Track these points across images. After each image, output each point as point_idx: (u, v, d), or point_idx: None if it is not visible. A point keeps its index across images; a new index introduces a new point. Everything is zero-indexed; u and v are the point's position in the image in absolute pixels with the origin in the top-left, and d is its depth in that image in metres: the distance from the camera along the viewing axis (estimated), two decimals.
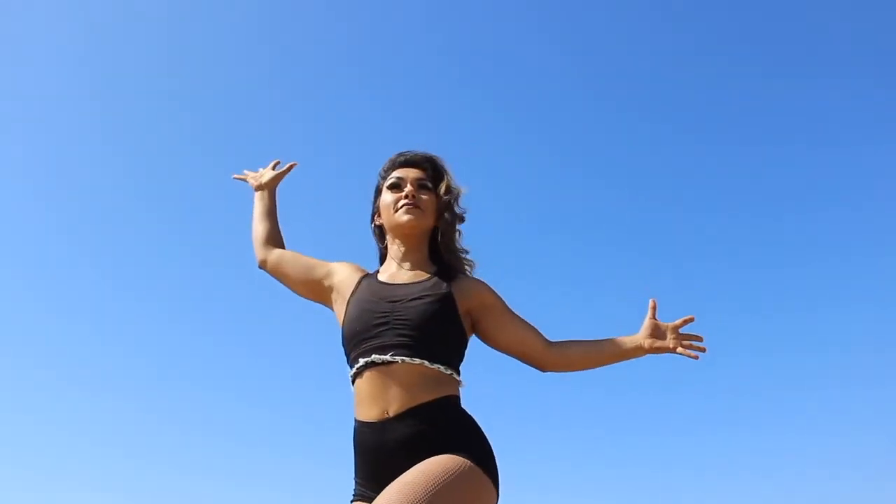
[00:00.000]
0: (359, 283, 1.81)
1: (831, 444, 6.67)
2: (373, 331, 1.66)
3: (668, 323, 1.80)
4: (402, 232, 1.82)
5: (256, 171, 2.21)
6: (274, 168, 2.16)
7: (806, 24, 8.02)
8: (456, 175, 1.91)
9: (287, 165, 2.15)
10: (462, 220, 1.88)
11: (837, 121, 7.97)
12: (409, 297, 1.70)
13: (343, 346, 1.75)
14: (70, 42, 8.01)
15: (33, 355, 7.70)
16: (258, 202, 2.10)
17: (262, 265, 1.99)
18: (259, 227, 2.04)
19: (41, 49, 7.83)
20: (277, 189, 2.14)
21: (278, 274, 1.96)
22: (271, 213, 2.07)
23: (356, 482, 1.67)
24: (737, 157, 8.33)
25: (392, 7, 8.26)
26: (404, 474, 1.45)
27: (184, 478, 6.84)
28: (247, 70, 8.42)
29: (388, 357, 1.62)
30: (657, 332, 1.78)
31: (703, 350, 1.78)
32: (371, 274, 1.86)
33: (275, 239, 2.01)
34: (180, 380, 7.79)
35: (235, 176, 2.24)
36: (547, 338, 1.81)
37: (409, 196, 1.81)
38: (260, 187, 2.12)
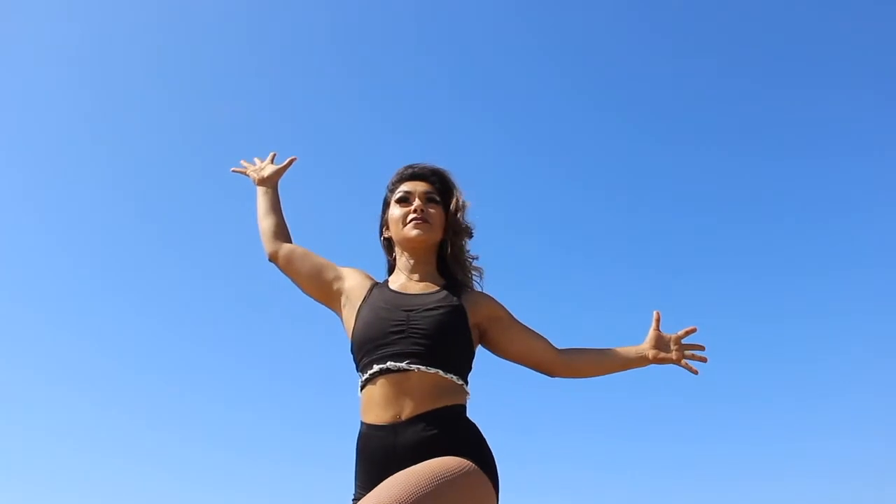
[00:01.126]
0: (370, 290, 1.84)
1: (833, 449, 6.71)
2: (388, 338, 1.69)
3: (671, 334, 1.88)
4: (411, 246, 1.86)
5: (253, 162, 2.21)
6: (273, 161, 2.17)
7: (816, 34, 8.10)
8: (461, 186, 1.93)
9: (287, 160, 2.15)
10: (470, 234, 1.92)
11: (842, 130, 8.05)
12: (424, 307, 1.73)
13: (353, 351, 1.77)
14: (59, 41, 8.03)
15: (26, 358, 7.71)
16: (262, 197, 2.09)
17: (273, 258, 1.98)
18: (266, 222, 2.03)
19: (29, 48, 7.86)
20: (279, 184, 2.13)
21: (288, 269, 1.95)
22: (276, 208, 2.07)
23: (357, 487, 1.69)
24: (742, 167, 8.41)
25: (386, 19, 8.33)
26: (410, 468, 1.49)
27: (176, 483, 6.85)
28: (238, 71, 8.47)
29: (403, 365, 1.65)
30: (661, 342, 1.87)
31: (704, 360, 1.87)
32: (381, 283, 1.88)
33: (283, 233, 2.02)
34: (173, 384, 7.81)
35: (234, 169, 2.23)
36: (555, 346, 1.87)
37: (418, 210, 1.84)
38: (262, 182, 2.12)
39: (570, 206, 8.57)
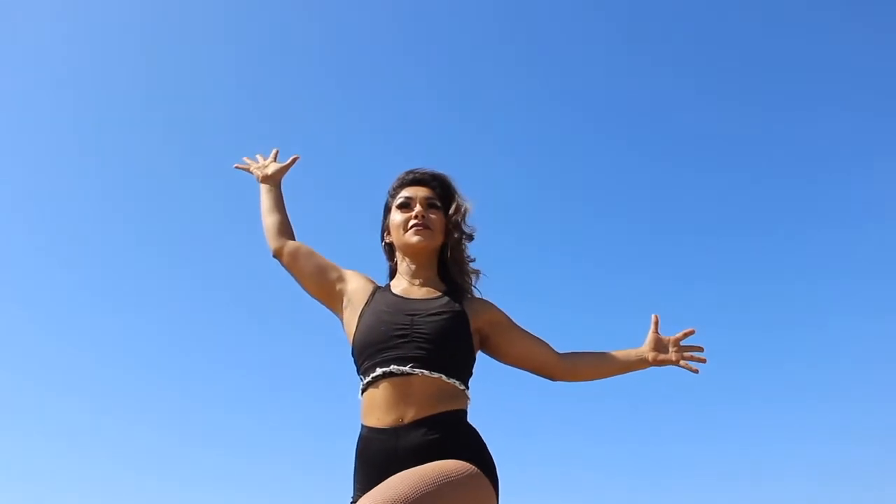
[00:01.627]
0: (372, 294, 1.85)
1: (832, 452, 6.73)
2: (391, 342, 1.70)
3: (669, 336, 1.91)
4: (412, 251, 1.87)
5: (255, 158, 2.20)
6: (275, 158, 2.17)
7: (805, 48, 8.18)
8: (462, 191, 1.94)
9: (290, 159, 2.15)
10: (471, 237, 1.92)
11: (837, 143, 8.13)
12: (428, 312, 1.74)
13: (354, 354, 1.78)
14: (48, 43, 8.02)
15: (22, 364, 7.73)
16: (265, 195, 2.09)
17: (277, 254, 1.97)
18: (270, 219, 2.03)
19: (17, 50, 7.87)
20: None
21: (292, 266, 1.95)
22: (280, 205, 2.06)
23: (356, 490, 1.69)
24: (739, 176, 8.49)
25: (387, 23, 8.37)
26: (413, 468, 1.50)
27: (176, 485, 6.86)
28: (234, 73, 8.51)
29: (407, 369, 1.66)
30: (659, 345, 1.91)
31: (703, 361, 1.90)
32: (383, 287, 1.89)
33: (287, 230, 2.01)
34: (172, 387, 7.83)
35: (237, 165, 2.22)
36: (556, 350, 1.89)
37: (419, 216, 1.84)
38: (265, 180, 2.11)
39: (569, 213, 8.62)
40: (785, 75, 8.29)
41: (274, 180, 2.11)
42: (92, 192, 8.51)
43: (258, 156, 2.21)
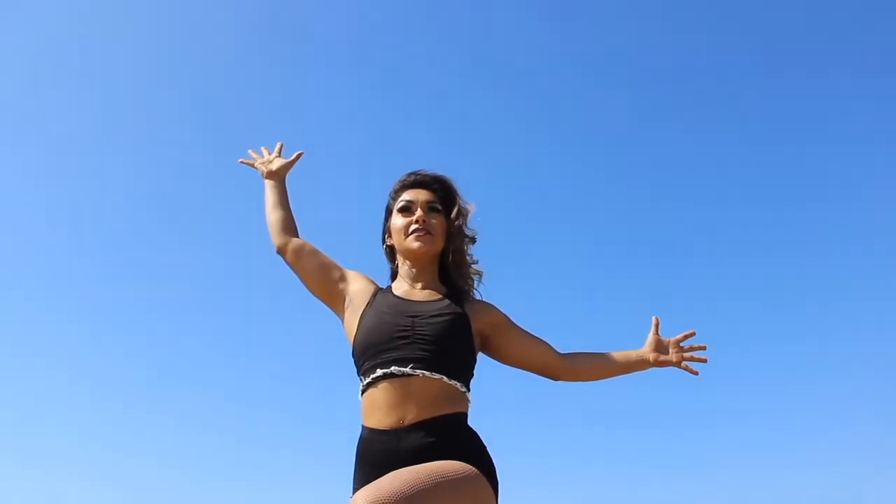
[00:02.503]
0: (374, 295, 1.86)
1: (831, 437, 6.76)
2: (393, 343, 1.71)
3: (669, 338, 1.94)
4: (413, 256, 1.87)
5: (260, 152, 2.19)
6: (280, 153, 2.16)
7: (817, 25, 8.11)
8: (463, 178, 1.94)
9: (295, 154, 2.14)
10: (472, 240, 1.93)
11: (837, 120, 8.08)
12: (429, 314, 1.75)
13: (355, 355, 1.79)
14: (73, 42, 8.08)
15: (35, 352, 7.79)
16: (270, 190, 2.08)
17: (281, 251, 1.97)
18: (274, 215, 2.03)
19: (43, 47, 7.90)
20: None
21: (296, 264, 1.95)
22: (284, 202, 2.06)
23: (355, 491, 1.68)
24: (741, 155, 8.46)
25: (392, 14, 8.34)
26: (414, 466, 1.52)
27: (179, 474, 6.93)
28: (245, 71, 8.51)
29: (408, 370, 1.68)
30: (660, 346, 1.93)
31: (703, 360, 1.93)
32: (385, 288, 1.90)
33: (291, 226, 2.01)
34: (178, 378, 7.89)
35: (242, 160, 2.21)
36: (557, 350, 1.91)
37: (420, 221, 1.84)
38: (270, 175, 2.10)
39: (573, 199, 8.62)
40: (789, 48, 8.25)
41: (278, 176, 2.11)
42: (101, 184, 8.56)
43: (263, 149, 2.20)
